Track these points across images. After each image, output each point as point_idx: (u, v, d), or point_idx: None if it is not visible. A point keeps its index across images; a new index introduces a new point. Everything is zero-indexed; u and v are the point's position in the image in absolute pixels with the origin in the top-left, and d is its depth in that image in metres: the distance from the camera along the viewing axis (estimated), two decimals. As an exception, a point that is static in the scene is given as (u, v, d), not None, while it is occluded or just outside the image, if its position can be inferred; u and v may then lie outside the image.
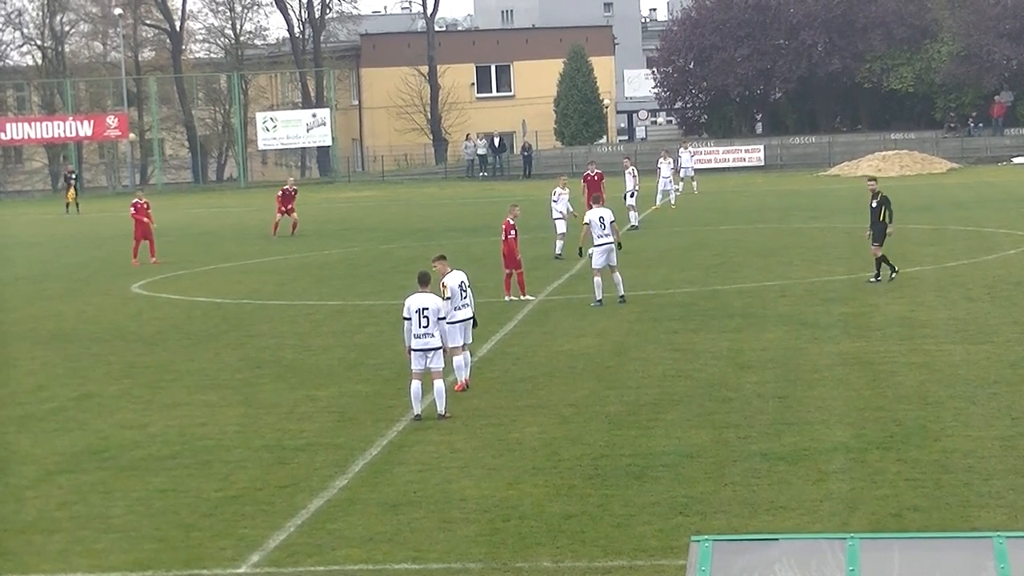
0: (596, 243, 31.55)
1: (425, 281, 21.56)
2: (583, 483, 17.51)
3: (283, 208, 53.43)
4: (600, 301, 31.45)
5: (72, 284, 41.22)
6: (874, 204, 33.24)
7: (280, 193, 54.28)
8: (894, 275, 32.83)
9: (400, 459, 19.18)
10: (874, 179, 35.25)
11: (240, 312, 33.90)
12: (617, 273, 31.76)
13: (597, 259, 31.53)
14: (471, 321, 23.27)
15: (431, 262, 23.59)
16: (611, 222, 31.74)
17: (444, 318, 21.38)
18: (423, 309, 21.07)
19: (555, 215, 42.09)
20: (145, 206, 46.68)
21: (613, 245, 31.62)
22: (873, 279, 32.85)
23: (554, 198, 42.57)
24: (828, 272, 35.87)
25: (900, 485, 16.79)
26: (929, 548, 8.54)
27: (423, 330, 21.04)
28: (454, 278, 23.14)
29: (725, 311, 30.15)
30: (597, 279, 31.54)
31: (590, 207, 48.91)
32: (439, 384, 21.23)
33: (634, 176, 50.53)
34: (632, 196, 49.94)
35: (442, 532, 15.88)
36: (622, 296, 31.67)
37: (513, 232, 32.98)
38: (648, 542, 15.18)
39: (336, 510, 16.92)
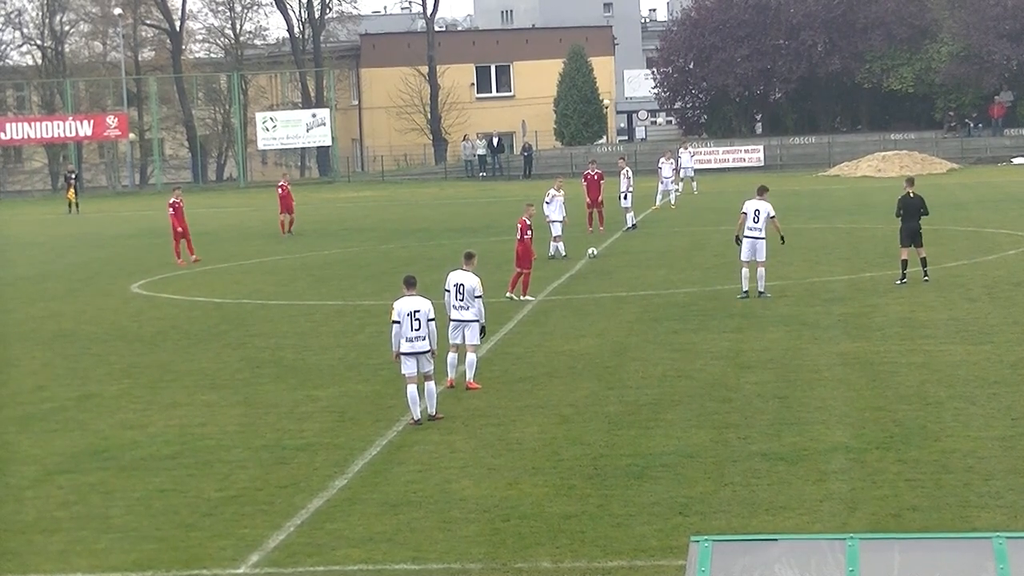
0: (745, 235, 31.63)
1: (412, 284, 21.52)
2: (583, 483, 17.51)
3: (285, 207, 53.55)
4: (746, 293, 31.55)
5: (72, 284, 41.22)
6: (908, 206, 32.85)
7: (281, 192, 54.32)
8: (903, 280, 32.69)
9: (400, 459, 19.19)
10: (913, 179, 34.90)
11: (240, 312, 33.90)
12: (762, 268, 31.75)
13: (744, 251, 31.64)
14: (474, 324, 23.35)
15: (463, 260, 23.77)
16: (769, 216, 31.66)
17: (434, 319, 21.36)
18: (415, 312, 21.01)
19: (547, 216, 41.85)
20: (176, 206, 45.72)
21: (762, 240, 31.51)
22: (899, 280, 32.66)
23: (547, 199, 42.43)
24: (828, 272, 35.87)
25: (900, 485, 16.80)
26: (929, 548, 8.54)
27: (415, 333, 20.99)
28: (456, 277, 23.36)
29: (725, 311, 30.15)
30: (744, 271, 31.74)
31: (589, 207, 49.47)
32: (431, 385, 21.26)
33: (628, 177, 50.49)
34: (626, 197, 49.92)
35: (442, 532, 15.88)
36: (761, 291, 31.63)
37: (529, 232, 33.21)
38: (648, 542, 15.18)
39: (336, 510, 16.92)
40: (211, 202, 78.87)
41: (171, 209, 45.42)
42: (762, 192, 32.51)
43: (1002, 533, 8.61)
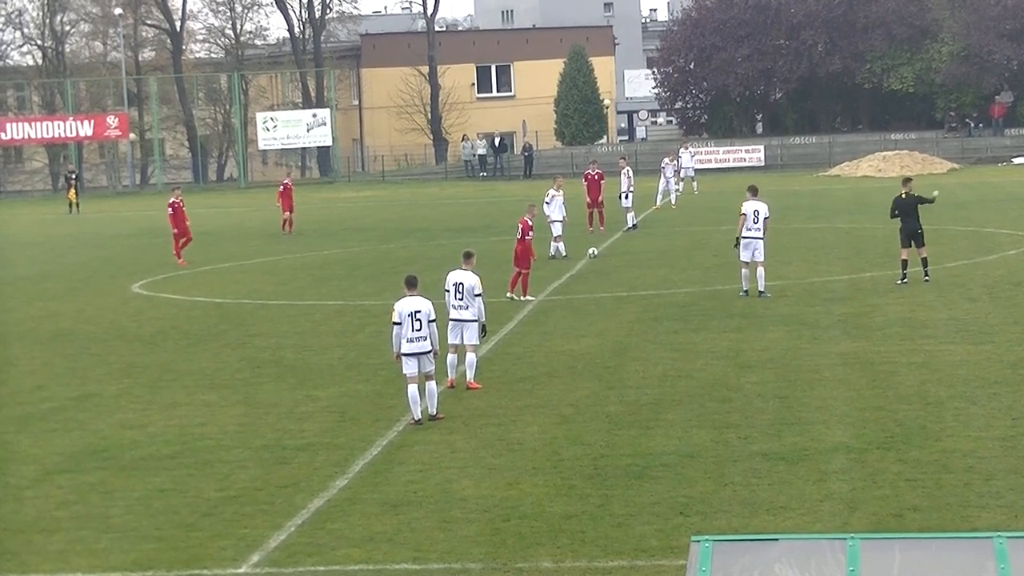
0: (743, 235, 31.76)
1: (413, 284, 21.48)
2: (583, 483, 17.50)
3: (287, 206, 53.79)
4: (746, 292, 31.70)
5: (72, 284, 41.21)
6: (905, 205, 32.80)
7: (282, 189, 54.55)
8: (903, 280, 32.61)
9: (400, 459, 19.18)
10: (909, 179, 34.81)
11: (240, 312, 33.90)
12: (761, 268, 31.88)
13: (743, 252, 31.76)
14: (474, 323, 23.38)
15: (462, 260, 23.81)
16: (765, 218, 31.84)
17: (435, 320, 21.34)
18: (415, 312, 20.98)
19: (547, 216, 41.93)
20: (175, 206, 45.73)
21: (760, 241, 31.69)
22: (900, 279, 32.56)
23: (546, 199, 42.49)
24: (828, 272, 35.87)
25: (900, 485, 16.78)
26: (929, 548, 8.54)
27: (416, 333, 20.95)
28: (455, 277, 23.37)
29: (725, 311, 30.14)
30: (744, 271, 31.90)
31: (590, 207, 49.45)
32: (432, 385, 21.25)
33: (628, 177, 50.51)
34: (627, 197, 49.95)
35: (442, 532, 15.87)
36: (761, 291, 31.74)
37: (531, 232, 33.23)
38: (648, 542, 15.17)
39: (336, 510, 16.91)
40: (211, 202, 78.88)
41: (170, 209, 45.42)
42: (755, 192, 32.65)
43: (1003, 533, 8.60)
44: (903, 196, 32.85)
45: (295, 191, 55.84)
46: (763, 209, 31.86)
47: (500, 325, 29.23)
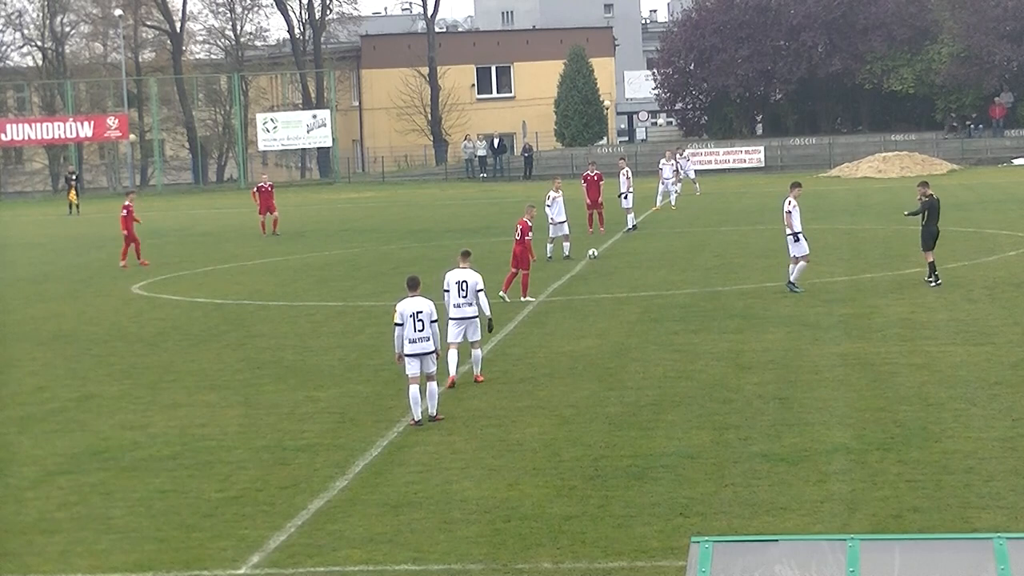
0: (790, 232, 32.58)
1: (415, 285, 21.52)
2: (583, 484, 17.51)
3: (264, 207, 54.15)
4: (798, 287, 32.33)
5: (73, 285, 41.23)
6: (934, 207, 32.77)
7: (256, 190, 55.22)
8: (937, 282, 32.45)
9: (400, 460, 19.19)
10: (926, 183, 34.68)
11: (240, 313, 33.91)
12: (791, 265, 32.64)
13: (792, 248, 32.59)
14: (476, 320, 23.58)
15: (459, 259, 23.98)
16: (786, 212, 32.49)
17: (436, 320, 21.38)
18: (417, 313, 21.02)
19: (551, 219, 41.99)
20: (129, 209, 45.97)
21: (787, 237, 32.52)
22: (933, 282, 32.43)
23: (548, 202, 42.50)
24: (829, 273, 35.87)
25: (900, 486, 16.79)
26: (929, 549, 8.54)
27: (418, 334, 21.00)
28: (456, 275, 23.57)
29: (726, 312, 30.15)
30: (801, 264, 32.56)
31: (590, 208, 49.46)
32: (433, 385, 21.28)
33: (628, 177, 50.55)
34: (626, 198, 49.97)
35: (442, 533, 15.88)
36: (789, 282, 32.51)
37: (530, 233, 33.30)
38: (648, 543, 15.18)
39: (336, 511, 16.92)
40: (211, 203, 78.90)
41: (124, 211, 45.68)
42: (792, 188, 33.38)
43: (1003, 534, 8.60)
44: (935, 197, 32.92)
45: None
46: (784, 205, 32.76)
47: (500, 326, 29.21)
